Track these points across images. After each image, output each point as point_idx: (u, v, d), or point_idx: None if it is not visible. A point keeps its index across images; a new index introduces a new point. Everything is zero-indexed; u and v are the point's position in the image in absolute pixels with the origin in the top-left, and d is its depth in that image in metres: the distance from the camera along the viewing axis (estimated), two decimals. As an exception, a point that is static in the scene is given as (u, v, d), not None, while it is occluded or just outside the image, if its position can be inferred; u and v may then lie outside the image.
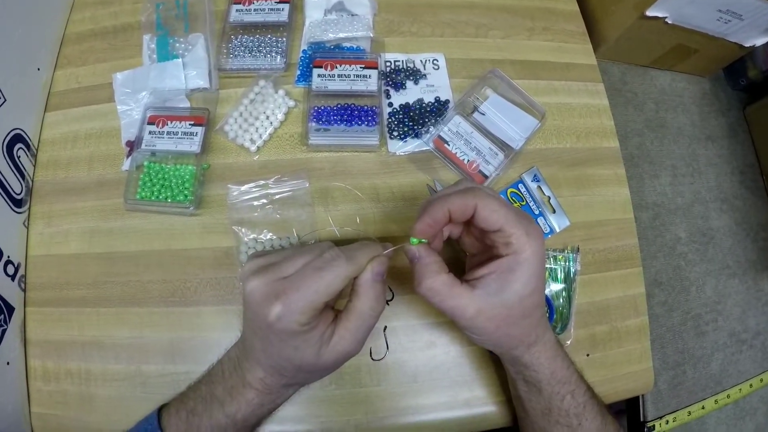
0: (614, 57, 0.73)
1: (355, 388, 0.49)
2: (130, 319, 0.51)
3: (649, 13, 0.64)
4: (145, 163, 0.55)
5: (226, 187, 0.53)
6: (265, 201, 0.53)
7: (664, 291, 0.64)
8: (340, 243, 0.40)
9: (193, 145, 0.54)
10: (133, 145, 0.56)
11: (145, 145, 0.54)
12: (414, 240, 0.38)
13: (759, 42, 0.71)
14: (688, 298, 0.65)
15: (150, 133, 0.55)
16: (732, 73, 0.81)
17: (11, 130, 0.54)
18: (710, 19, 0.67)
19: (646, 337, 0.54)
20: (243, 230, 0.52)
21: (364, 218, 0.53)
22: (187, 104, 0.58)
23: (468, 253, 0.44)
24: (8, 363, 0.49)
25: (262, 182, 0.53)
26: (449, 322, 0.51)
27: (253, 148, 0.55)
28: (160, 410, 0.43)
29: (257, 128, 0.55)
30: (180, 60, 0.59)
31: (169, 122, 0.55)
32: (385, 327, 0.50)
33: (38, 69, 0.59)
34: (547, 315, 0.52)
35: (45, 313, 0.52)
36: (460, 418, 0.49)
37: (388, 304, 0.51)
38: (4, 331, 0.49)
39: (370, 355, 0.50)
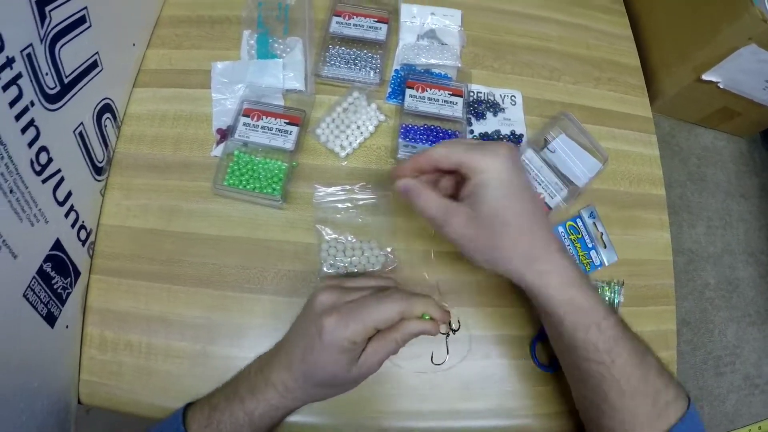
0: (667, 112, 0.79)
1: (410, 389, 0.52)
2: (201, 300, 0.53)
3: (705, 76, 0.70)
4: (236, 152, 0.57)
5: (313, 186, 0.57)
6: (349, 205, 0.57)
7: (690, 330, 0.70)
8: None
9: (287, 143, 0.57)
10: (225, 133, 0.59)
11: (239, 136, 0.57)
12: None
13: (798, 112, 0.77)
14: (711, 340, 0.70)
15: (244, 124, 0.58)
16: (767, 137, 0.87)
17: (102, 99, 0.55)
18: (757, 88, 0.73)
19: (673, 369, 0.58)
20: (326, 230, 0.56)
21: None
22: (281, 102, 0.61)
23: None
24: (67, 326, 0.49)
25: (348, 187, 0.57)
26: (504, 336, 0.56)
27: (343, 153, 0.59)
28: (186, 408, 0.45)
29: (348, 136, 0.60)
30: (280, 60, 0.63)
31: (264, 117, 0.58)
32: (448, 334, 0.54)
33: (133, 44, 0.61)
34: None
35: (111, 283, 0.53)
36: (505, 427, 0.53)
37: (453, 333, 0.51)
38: (69, 294, 0.49)
39: (432, 360, 0.52)
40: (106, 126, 0.56)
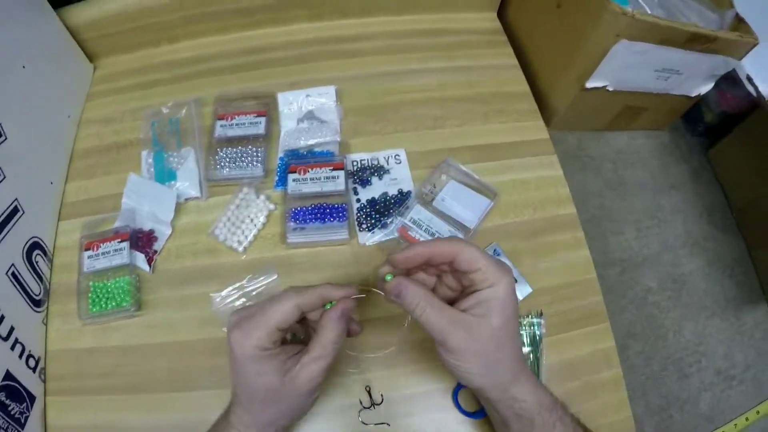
0: (567, 126, 0.79)
1: None
2: (139, 404, 0.56)
3: (589, 85, 0.71)
4: (91, 284, 0.61)
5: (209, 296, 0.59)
6: (244, 299, 0.59)
7: (639, 341, 0.67)
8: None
9: (124, 258, 0.60)
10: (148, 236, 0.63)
11: (87, 269, 0.60)
12: (388, 276, 0.42)
13: (704, 90, 0.76)
14: (665, 345, 0.68)
15: (89, 257, 0.61)
16: (690, 121, 0.86)
17: (30, 238, 0.58)
18: (649, 79, 0.73)
19: (621, 387, 0.57)
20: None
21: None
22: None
23: None
24: None
25: (237, 284, 0.59)
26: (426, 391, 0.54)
27: (240, 248, 0.61)
28: None
29: (243, 230, 0.62)
30: (174, 191, 0.65)
31: (102, 244, 0.61)
32: (370, 407, 0.55)
33: (51, 183, 0.66)
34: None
35: (64, 402, 0.57)
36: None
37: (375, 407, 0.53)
38: (27, 417, 0.52)
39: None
40: (37, 262, 0.59)
